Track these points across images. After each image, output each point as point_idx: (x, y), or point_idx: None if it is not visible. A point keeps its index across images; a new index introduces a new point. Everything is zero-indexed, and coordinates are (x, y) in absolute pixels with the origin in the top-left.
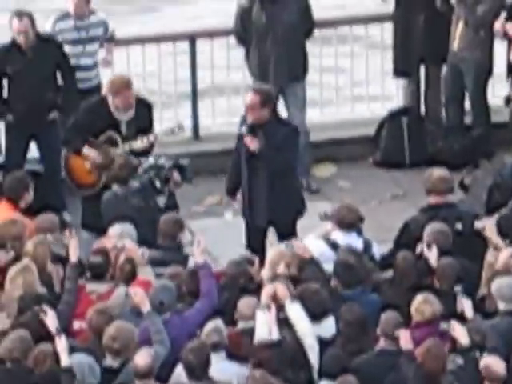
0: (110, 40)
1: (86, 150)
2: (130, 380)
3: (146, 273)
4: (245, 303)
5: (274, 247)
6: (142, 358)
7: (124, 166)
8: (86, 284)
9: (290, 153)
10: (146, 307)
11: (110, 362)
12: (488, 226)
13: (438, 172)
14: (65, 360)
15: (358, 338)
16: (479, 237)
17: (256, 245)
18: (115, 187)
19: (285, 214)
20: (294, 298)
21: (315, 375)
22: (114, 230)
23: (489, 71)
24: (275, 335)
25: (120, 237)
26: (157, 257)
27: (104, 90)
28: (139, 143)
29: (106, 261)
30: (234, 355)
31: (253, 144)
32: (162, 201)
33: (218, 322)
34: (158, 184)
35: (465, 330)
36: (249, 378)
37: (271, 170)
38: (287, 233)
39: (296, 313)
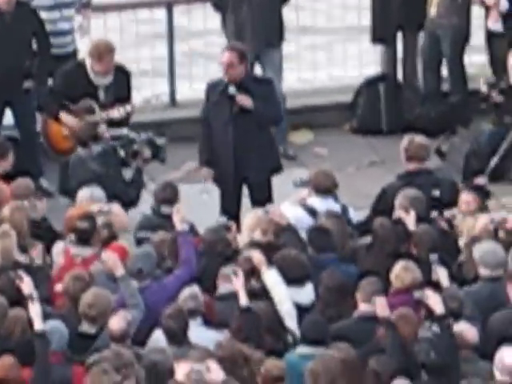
0: (86, 6)
1: (64, 117)
2: (107, 345)
3: (125, 238)
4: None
5: (250, 213)
6: (117, 322)
7: (85, 128)
8: (70, 247)
9: (276, 104)
10: (119, 271)
11: (86, 327)
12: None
13: (419, 139)
14: (38, 325)
15: (337, 304)
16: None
17: (232, 210)
18: (79, 149)
19: (266, 170)
20: (269, 264)
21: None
22: (83, 193)
23: (466, 37)
24: (244, 302)
25: (91, 199)
26: (150, 221)
27: (84, 54)
28: (116, 112)
29: (93, 226)
30: (210, 322)
31: (247, 101)
32: (128, 174)
33: (194, 289)
34: (122, 154)
35: (439, 298)
36: (216, 346)
37: (262, 125)
38: (263, 193)
39: (272, 279)
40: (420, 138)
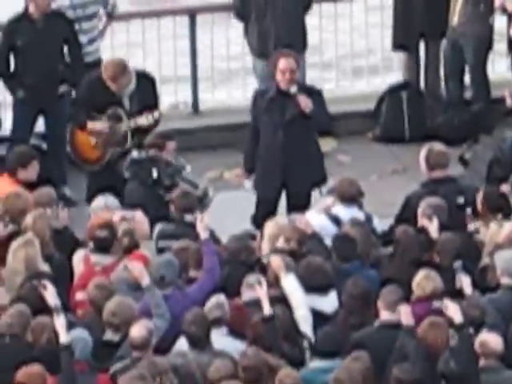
0: (110, 16)
1: (91, 124)
2: (129, 353)
3: (146, 247)
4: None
5: (271, 221)
6: (137, 331)
7: (112, 134)
8: (90, 255)
9: (328, 113)
10: (145, 281)
11: (110, 336)
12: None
13: (438, 147)
14: (63, 337)
15: (360, 312)
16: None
17: (265, 218)
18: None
19: (311, 180)
20: (288, 269)
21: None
22: (97, 201)
23: (488, 45)
24: (267, 310)
25: (108, 208)
26: (170, 230)
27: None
28: (144, 119)
29: (112, 234)
30: (235, 331)
31: (308, 101)
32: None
33: (220, 298)
34: (154, 175)
35: (458, 307)
36: (242, 355)
37: (313, 131)
38: (302, 203)
39: (290, 284)
40: (439, 146)
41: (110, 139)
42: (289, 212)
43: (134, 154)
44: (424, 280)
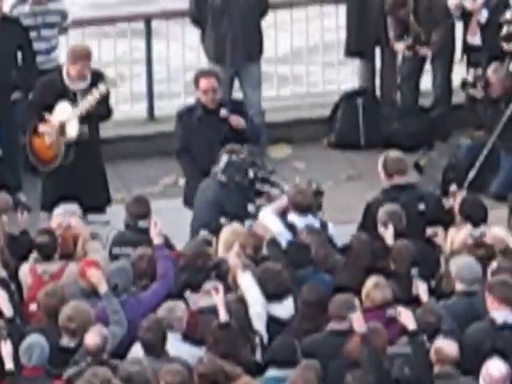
0: (65, 30)
1: (41, 128)
2: (83, 358)
3: (94, 248)
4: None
5: (228, 227)
6: (91, 338)
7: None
8: (37, 265)
9: (254, 123)
10: (102, 288)
11: (66, 342)
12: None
13: (395, 154)
14: (8, 364)
15: (314, 318)
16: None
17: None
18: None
19: None
20: (245, 267)
21: (265, 341)
22: (57, 210)
23: (450, 51)
24: (223, 317)
25: (64, 215)
26: (124, 236)
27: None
28: (85, 103)
29: (53, 240)
30: (189, 337)
31: (240, 120)
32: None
33: (172, 303)
34: (251, 175)
35: (411, 314)
36: (198, 362)
37: (254, 143)
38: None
39: (246, 281)
40: (395, 153)
41: (60, 134)
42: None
43: (225, 157)
44: (373, 290)
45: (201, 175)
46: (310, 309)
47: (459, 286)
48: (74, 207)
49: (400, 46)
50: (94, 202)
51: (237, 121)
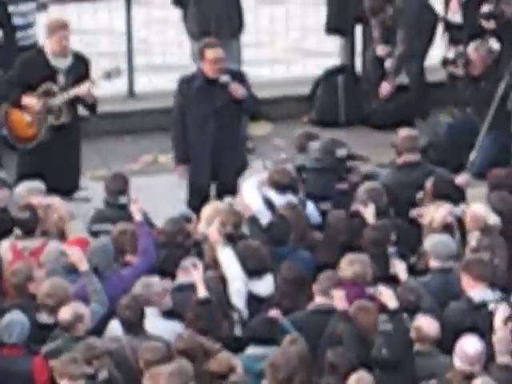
0: (43, 7)
1: (25, 100)
2: (61, 335)
3: (74, 228)
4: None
5: (209, 204)
6: (64, 313)
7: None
8: (17, 242)
9: (254, 96)
10: (83, 266)
11: (45, 318)
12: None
13: (405, 131)
14: None
15: (294, 295)
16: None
17: (198, 203)
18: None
19: (237, 166)
20: (225, 242)
21: (245, 318)
22: (21, 187)
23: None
24: (202, 293)
25: (30, 193)
26: (103, 213)
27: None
28: (77, 89)
29: (34, 216)
30: (167, 312)
31: (240, 89)
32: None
33: (149, 278)
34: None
35: (392, 293)
36: (177, 338)
37: (242, 117)
38: (231, 190)
39: (226, 257)
40: (405, 131)
41: (44, 115)
42: (218, 199)
43: (315, 144)
44: (345, 265)
45: (184, 148)
46: (289, 286)
47: (433, 263)
48: (37, 185)
49: (381, 51)
50: (64, 184)
51: (237, 89)
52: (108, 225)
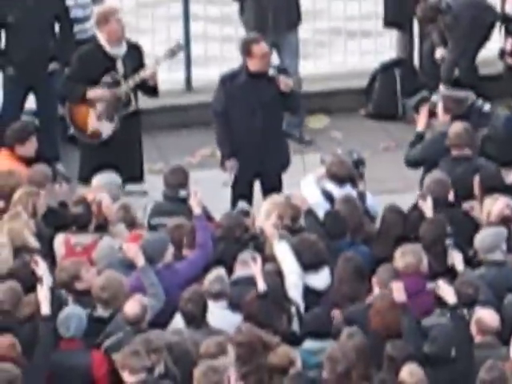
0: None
1: (92, 93)
2: (120, 329)
3: (118, 232)
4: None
5: (269, 197)
6: (131, 308)
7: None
8: (71, 236)
9: (297, 92)
10: (140, 262)
11: (100, 312)
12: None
13: (457, 126)
14: (45, 308)
15: (352, 287)
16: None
17: (245, 199)
18: None
19: (283, 161)
20: (281, 236)
21: (302, 312)
22: (97, 180)
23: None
24: (261, 287)
25: (98, 190)
26: (162, 207)
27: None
28: (140, 74)
29: (88, 211)
30: (235, 305)
31: (288, 82)
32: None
33: (220, 271)
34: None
35: (451, 288)
36: (236, 331)
37: (284, 112)
38: (276, 185)
39: (282, 250)
40: (457, 125)
41: (114, 104)
42: (264, 195)
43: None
44: (398, 256)
45: (231, 143)
46: (348, 277)
47: (485, 256)
48: (113, 177)
49: (439, 54)
50: (130, 173)
51: (285, 81)
52: (166, 218)
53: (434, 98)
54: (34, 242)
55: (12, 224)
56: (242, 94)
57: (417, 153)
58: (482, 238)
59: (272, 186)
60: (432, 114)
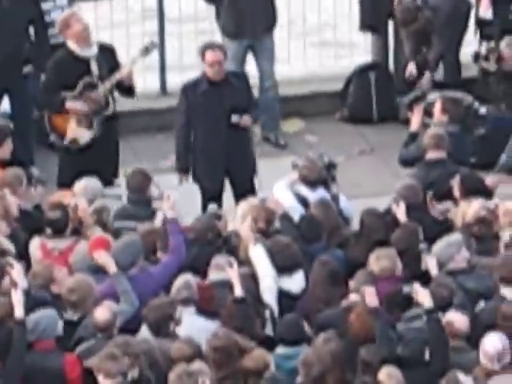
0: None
1: (70, 104)
2: (88, 333)
3: (96, 233)
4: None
5: (245, 200)
6: (101, 314)
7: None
8: (47, 241)
9: (252, 98)
10: (111, 269)
11: (70, 315)
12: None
13: (434, 130)
14: (18, 312)
15: (326, 291)
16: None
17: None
18: None
19: (250, 167)
20: (256, 240)
21: (276, 315)
22: (79, 185)
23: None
24: (239, 292)
25: (74, 194)
26: (125, 210)
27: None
28: (116, 75)
29: (65, 215)
30: (203, 310)
31: (249, 121)
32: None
33: (187, 277)
34: None
35: (427, 292)
36: (212, 336)
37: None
38: (247, 188)
39: (257, 254)
40: (434, 129)
41: (93, 110)
42: (236, 201)
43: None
44: (374, 261)
45: (188, 154)
46: (322, 282)
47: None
48: (95, 182)
49: (410, 71)
50: (108, 176)
51: (246, 123)
52: (131, 222)
53: (431, 97)
54: (7, 245)
55: None
56: (203, 102)
57: (412, 152)
58: (438, 251)
59: (243, 191)
60: (426, 113)
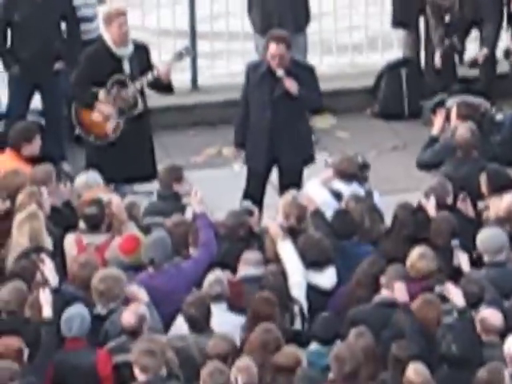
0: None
1: (99, 106)
2: (115, 329)
3: (129, 229)
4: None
5: (285, 196)
6: (127, 318)
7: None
8: (82, 236)
9: (318, 90)
10: (143, 299)
11: (99, 309)
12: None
13: (464, 127)
14: (46, 312)
15: (369, 289)
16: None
17: (257, 194)
18: None
19: (300, 158)
20: (285, 236)
21: (305, 311)
22: (79, 179)
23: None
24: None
25: (89, 187)
26: (155, 206)
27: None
28: (148, 77)
29: (101, 211)
30: (234, 306)
31: (294, 86)
32: None
33: (218, 273)
34: None
35: (459, 291)
36: (255, 330)
37: (302, 111)
38: (293, 181)
39: (286, 250)
40: (464, 126)
41: (121, 107)
42: (281, 190)
43: None
44: (418, 261)
45: (244, 130)
46: (367, 280)
47: (485, 257)
48: (96, 177)
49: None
50: (140, 173)
51: (290, 84)
52: (161, 218)
53: (449, 102)
54: (49, 244)
55: (32, 224)
56: (258, 86)
57: (428, 156)
58: (483, 239)
59: (290, 182)
60: (447, 118)
